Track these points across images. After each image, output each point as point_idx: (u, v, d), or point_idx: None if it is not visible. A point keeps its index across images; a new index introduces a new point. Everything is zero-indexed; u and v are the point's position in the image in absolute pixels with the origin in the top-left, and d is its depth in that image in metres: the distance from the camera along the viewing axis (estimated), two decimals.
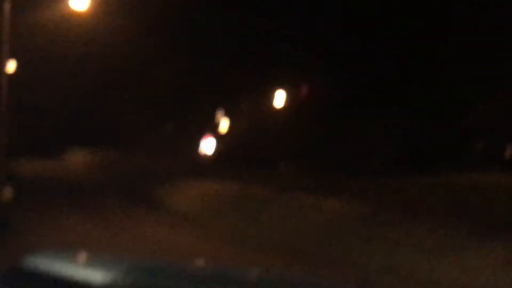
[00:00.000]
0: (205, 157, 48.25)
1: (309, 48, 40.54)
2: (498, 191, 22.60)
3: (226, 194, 26.02)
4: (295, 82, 43.91)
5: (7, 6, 21.58)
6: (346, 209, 20.70)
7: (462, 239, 15.35)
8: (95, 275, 3.97)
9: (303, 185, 27.52)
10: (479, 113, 34.95)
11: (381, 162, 35.12)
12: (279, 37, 41.93)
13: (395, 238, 16.48)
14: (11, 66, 25.37)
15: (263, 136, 44.93)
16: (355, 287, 4.26)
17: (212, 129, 49.91)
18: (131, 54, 45.62)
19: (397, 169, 32.17)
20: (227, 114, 50.51)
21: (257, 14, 41.79)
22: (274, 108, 45.67)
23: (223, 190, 26.78)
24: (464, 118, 36.08)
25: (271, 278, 4.52)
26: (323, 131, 40.61)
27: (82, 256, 4.50)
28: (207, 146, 49.24)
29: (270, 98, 45.61)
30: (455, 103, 36.21)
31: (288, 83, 44.31)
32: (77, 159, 45.37)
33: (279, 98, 45.01)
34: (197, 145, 49.70)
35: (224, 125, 50.61)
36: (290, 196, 23.77)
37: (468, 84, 35.11)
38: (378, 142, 36.68)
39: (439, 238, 15.75)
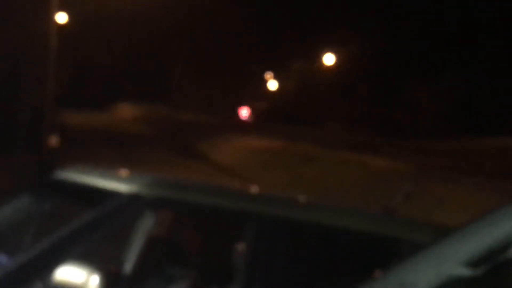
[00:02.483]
0: (246, 121, 48.37)
1: (361, 9, 40.20)
2: None
3: (270, 150, 26.02)
4: (345, 44, 43.54)
5: None
6: (390, 168, 20.60)
7: (504, 199, 15.24)
8: (122, 186, 4.06)
9: (349, 143, 27.42)
10: None
11: (430, 124, 34.85)
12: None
13: (437, 196, 16.39)
14: (62, 17, 25.41)
15: (311, 96, 44.78)
16: (381, 213, 4.23)
17: (259, 90, 49.88)
18: (183, 12, 45.71)
19: (445, 132, 31.92)
20: (276, 75, 50.41)
21: None
22: (323, 69, 45.41)
23: (268, 146, 26.78)
24: None
25: (289, 199, 4.50)
26: (372, 92, 40.35)
27: (110, 170, 4.57)
28: (245, 113, 49.34)
29: (319, 59, 45.35)
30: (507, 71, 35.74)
31: (338, 45, 43.96)
32: (125, 112, 45.72)
33: (328, 60, 44.72)
34: (244, 103, 49.79)
35: (272, 85, 50.54)
36: (334, 154, 23.71)
37: None
38: (427, 105, 36.33)
39: (480, 197, 15.64)
